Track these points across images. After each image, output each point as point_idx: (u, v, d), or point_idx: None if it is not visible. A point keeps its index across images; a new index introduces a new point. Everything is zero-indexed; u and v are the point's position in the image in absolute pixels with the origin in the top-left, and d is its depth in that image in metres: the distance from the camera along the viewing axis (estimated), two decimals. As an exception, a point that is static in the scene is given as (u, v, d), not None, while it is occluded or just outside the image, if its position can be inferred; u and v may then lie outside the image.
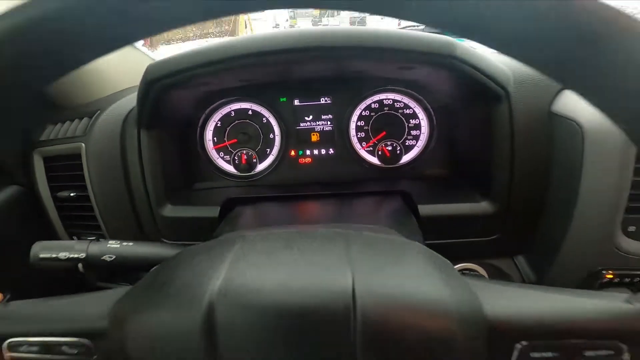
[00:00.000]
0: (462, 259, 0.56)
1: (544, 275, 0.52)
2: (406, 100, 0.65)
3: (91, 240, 0.38)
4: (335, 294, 0.21)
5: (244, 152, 0.67)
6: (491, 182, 0.52)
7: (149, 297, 0.24)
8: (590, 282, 0.49)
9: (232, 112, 0.67)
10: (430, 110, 0.65)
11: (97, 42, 0.18)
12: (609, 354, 0.22)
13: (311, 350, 0.21)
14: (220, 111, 0.66)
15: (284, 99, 0.66)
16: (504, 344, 0.22)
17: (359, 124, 0.67)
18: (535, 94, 0.49)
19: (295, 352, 0.21)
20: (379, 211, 0.54)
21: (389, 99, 0.65)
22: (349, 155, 0.67)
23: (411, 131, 0.66)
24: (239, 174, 0.68)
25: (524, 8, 0.15)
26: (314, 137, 0.67)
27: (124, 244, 0.38)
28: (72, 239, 0.67)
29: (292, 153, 0.68)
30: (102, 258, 0.37)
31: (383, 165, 0.67)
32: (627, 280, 0.48)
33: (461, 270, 0.56)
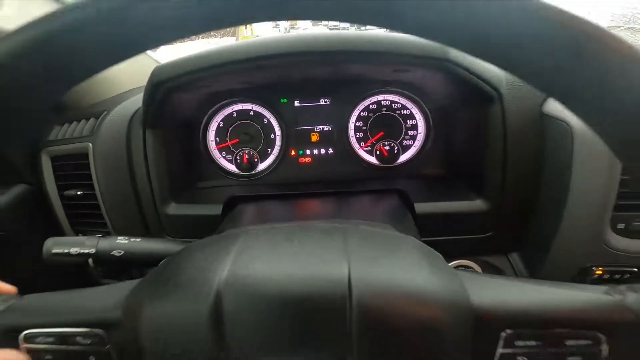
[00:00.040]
0: (457, 255, 0.57)
1: (536, 272, 0.53)
2: (403, 101, 0.67)
3: (100, 236, 0.40)
4: (332, 283, 0.22)
5: (246, 151, 0.68)
6: (485, 181, 0.54)
7: (159, 288, 0.25)
8: (581, 278, 0.50)
9: (234, 113, 0.68)
10: (427, 111, 0.66)
11: (113, 51, 0.19)
12: (588, 344, 0.22)
13: (310, 335, 0.22)
14: (223, 112, 0.68)
15: (285, 100, 0.67)
16: (490, 332, 0.23)
17: (357, 124, 0.68)
18: (527, 95, 0.50)
19: (295, 338, 0.22)
20: (377, 209, 0.56)
21: (386, 100, 0.67)
22: (347, 154, 0.69)
23: (408, 131, 0.67)
24: (241, 173, 0.69)
25: (505, 26, 0.16)
26: (314, 137, 0.69)
27: (132, 239, 0.39)
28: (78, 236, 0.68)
29: (293, 153, 0.69)
30: (112, 253, 0.38)
31: (381, 165, 0.68)
32: (617, 276, 0.49)
33: (456, 267, 0.57)
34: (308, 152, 0.69)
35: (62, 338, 0.25)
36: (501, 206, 0.53)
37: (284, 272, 0.23)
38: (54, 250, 0.38)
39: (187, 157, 0.66)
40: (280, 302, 0.22)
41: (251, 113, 0.68)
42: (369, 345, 0.22)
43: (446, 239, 0.55)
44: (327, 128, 0.69)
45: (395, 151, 0.67)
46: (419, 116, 0.67)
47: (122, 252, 0.38)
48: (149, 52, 0.86)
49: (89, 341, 0.25)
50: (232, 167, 0.69)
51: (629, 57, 0.15)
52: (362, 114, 0.68)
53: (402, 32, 0.18)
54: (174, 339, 0.23)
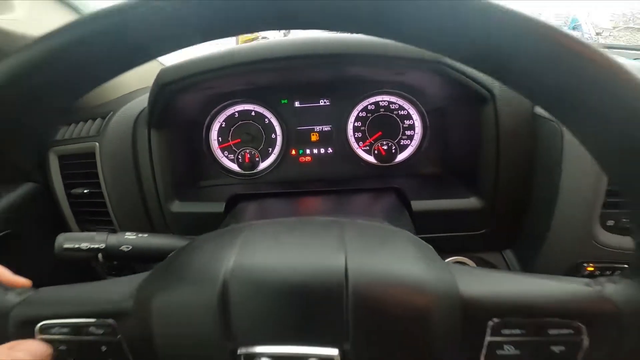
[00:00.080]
0: (452, 252, 0.58)
1: (529, 269, 0.54)
2: (401, 102, 0.68)
3: (109, 232, 0.41)
4: (330, 272, 0.23)
5: (247, 151, 0.70)
6: (479, 179, 0.55)
7: (168, 279, 0.26)
8: (573, 274, 0.50)
9: (236, 114, 0.69)
10: (424, 112, 0.68)
11: (126, 59, 0.21)
12: (569, 334, 0.23)
13: (309, 321, 0.23)
14: (225, 113, 0.69)
15: (285, 101, 0.69)
16: (478, 321, 0.24)
17: (356, 124, 0.69)
18: (520, 97, 0.51)
19: (295, 324, 0.23)
20: (375, 206, 0.57)
21: (384, 101, 0.68)
22: (346, 154, 0.70)
23: (405, 131, 0.69)
24: (243, 172, 0.70)
25: (496, 38, 0.17)
26: (314, 137, 0.70)
27: (140, 235, 0.40)
28: None
29: (293, 152, 0.71)
30: (120, 248, 0.39)
31: (379, 164, 0.70)
32: (608, 273, 0.50)
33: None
34: (308, 151, 0.71)
35: (76, 329, 0.26)
36: (495, 204, 0.54)
37: (285, 262, 0.25)
38: (66, 245, 0.40)
39: (191, 157, 0.68)
40: (281, 290, 0.23)
41: (253, 113, 0.69)
42: (363, 331, 0.23)
43: (442, 235, 0.56)
44: (326, 128, 0.70)
45: (393, 151, 0.69)
46: (415, 117, 0.68)
47: (130, 247, 0.40)
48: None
49: (101, 331, 0.26)
50: (234, 166, 0.71)
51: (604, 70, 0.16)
52: (360, 114, 0.69)
53: (399, 42, 0.20)
54: (182, 326, 0.24)
